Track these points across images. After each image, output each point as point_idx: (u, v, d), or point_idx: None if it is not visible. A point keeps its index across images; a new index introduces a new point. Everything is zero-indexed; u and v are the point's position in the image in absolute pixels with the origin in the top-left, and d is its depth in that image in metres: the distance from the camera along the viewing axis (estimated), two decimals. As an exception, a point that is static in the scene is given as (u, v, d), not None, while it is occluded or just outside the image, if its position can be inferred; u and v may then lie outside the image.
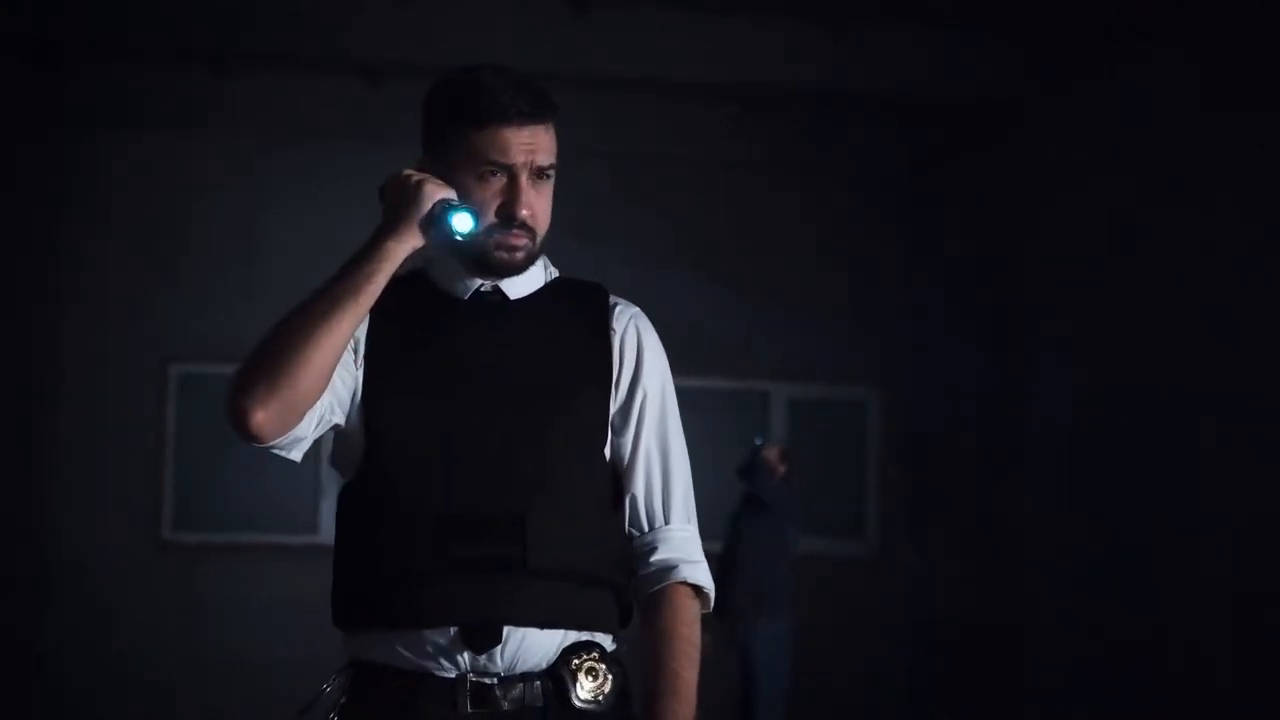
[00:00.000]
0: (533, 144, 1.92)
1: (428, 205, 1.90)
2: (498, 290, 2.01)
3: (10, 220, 7.07)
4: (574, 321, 2.02)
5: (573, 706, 1.90)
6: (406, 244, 1.91)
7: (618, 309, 2.05)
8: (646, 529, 2.00)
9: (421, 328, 1.99)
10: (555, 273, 2.09)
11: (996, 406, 7.78)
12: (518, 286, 2.02)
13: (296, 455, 1.94)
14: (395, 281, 1.96)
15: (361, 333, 1.97)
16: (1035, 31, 6.83)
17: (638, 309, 2.07)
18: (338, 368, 1.92)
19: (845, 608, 7.95)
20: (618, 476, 2.01)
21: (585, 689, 1.90)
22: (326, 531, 7.62)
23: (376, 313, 1.95)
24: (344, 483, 1.99)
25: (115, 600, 7.46)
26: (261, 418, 1.82)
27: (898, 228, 8.23)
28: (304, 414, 1.86)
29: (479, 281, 2.00)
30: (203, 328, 7.53)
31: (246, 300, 7.09)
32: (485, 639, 1.88)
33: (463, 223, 1.91)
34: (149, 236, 7.73)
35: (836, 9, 6.67)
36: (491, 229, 1.94)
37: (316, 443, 1.94)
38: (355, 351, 1.97)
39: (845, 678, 7.81)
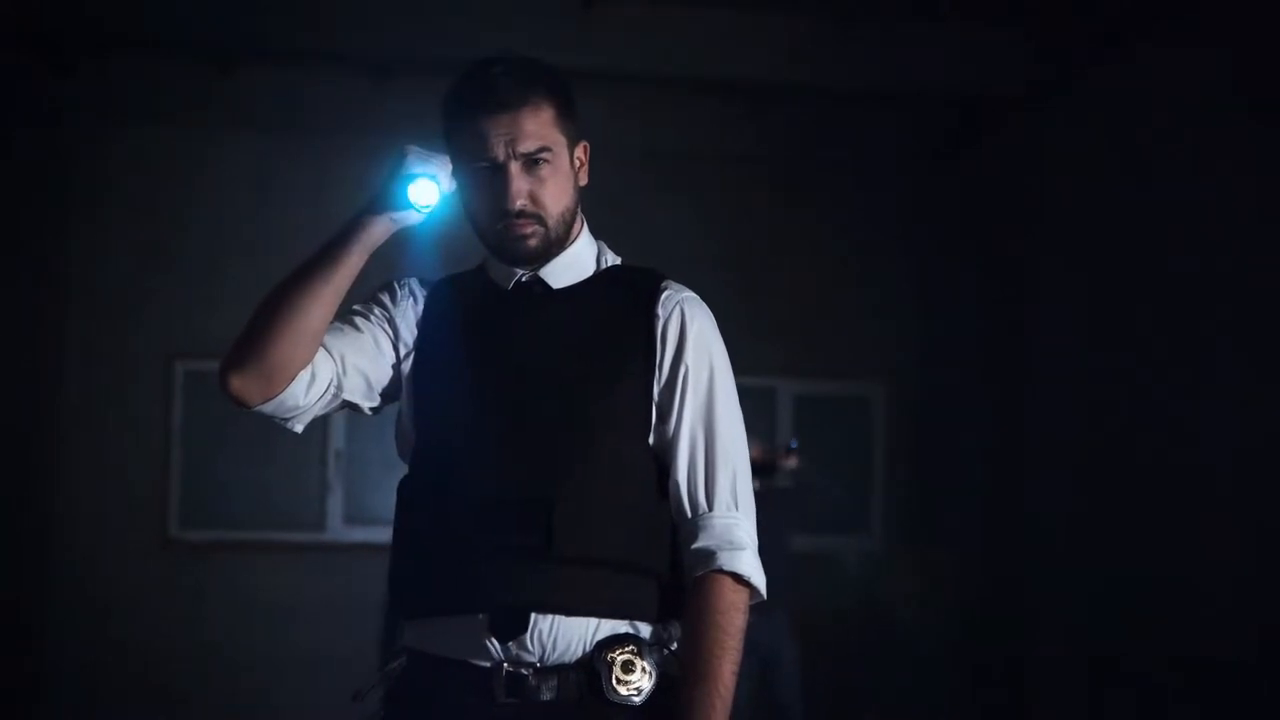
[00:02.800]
0: (511, 132, 1.90)
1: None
2: (540, 280, 2.00)
3: (13, 217, 7.06)
4: (618, 309, 1.99)
5: (608, 701, 1.88)
6: (381, 217, 1.91)
7: (665, 294, 2.02)
8: (689, 515, 1.95)
9: (469, 320, 2.00)
10: (615, 260, 2.07)
11: (1002, 402, 7.77)
12: (562, 276, 2.01)
13: (297, 426, 2.01)
14: (456, 276, 2.03)
15: (407, 326, 2.01)
16: (1044, 27, 6.81)
17: (690, 294, 2.04)
18: (363, 354, 1.97)
19: (850, 604, 7.94)
20: (663, 463, 1.97)
21: (621, 682, 1.87)
22: (333, 529, 7.62)
23: (431, 307, 2.00)
24: None
25: (121, 597, 7.45)
26: (238, 382, 1.90)
27: (904, 223, 8.20)
28: (287, 380, 1.91)
29: (519, 272, 2.00)
30: (209, 325, 7.49)
31: (253, 297, 7.02)
32: (511, 626, 1.87)
33: (423, 194, 1.87)
34: (154, 233, 7.71)
35: (846, 4, 6.65)
36: (495, 222, 1.94)
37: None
38: (395, 343, 2.01)
39: (848, 676, 7.80)
